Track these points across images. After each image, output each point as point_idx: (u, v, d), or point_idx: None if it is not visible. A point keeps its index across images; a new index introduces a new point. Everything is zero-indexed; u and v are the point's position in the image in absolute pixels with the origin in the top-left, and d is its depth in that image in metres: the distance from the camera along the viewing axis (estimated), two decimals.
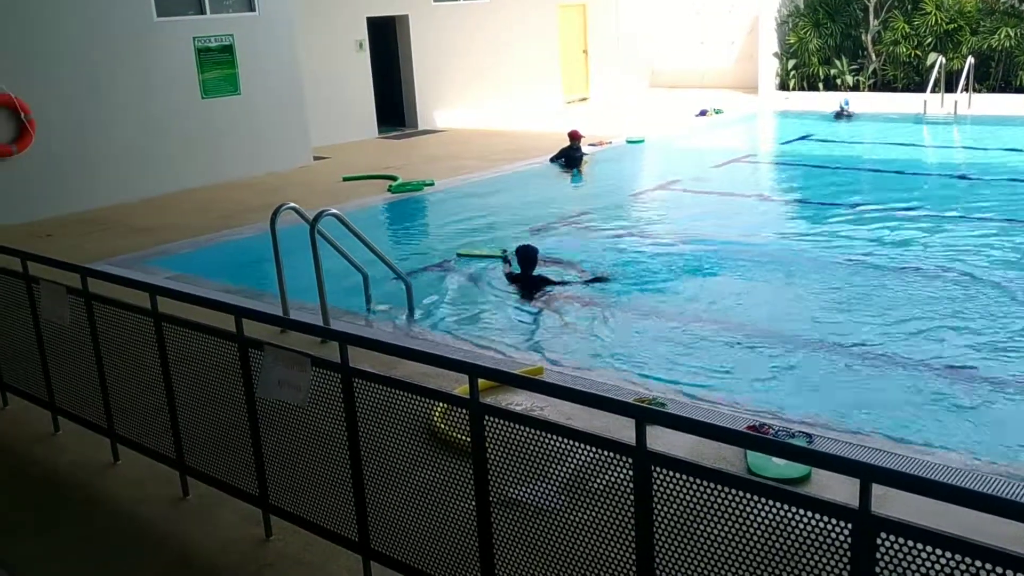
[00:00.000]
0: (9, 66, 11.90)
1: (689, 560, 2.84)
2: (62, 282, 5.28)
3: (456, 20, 19.82)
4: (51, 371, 5.66)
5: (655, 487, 2.85)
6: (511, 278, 8.67)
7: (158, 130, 13.54)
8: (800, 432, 5.11)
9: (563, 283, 8.50)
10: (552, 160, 14.78)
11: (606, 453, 2.98)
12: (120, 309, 4.96)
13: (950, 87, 18.42)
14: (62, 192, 12.55)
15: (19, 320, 5.76)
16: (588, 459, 3.04)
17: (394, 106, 19.45)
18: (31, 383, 5.88)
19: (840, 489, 3.46)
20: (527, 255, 8.64)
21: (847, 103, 18.58)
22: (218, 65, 14.12)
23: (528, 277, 8.54)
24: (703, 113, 19.60)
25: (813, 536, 2.55)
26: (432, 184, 13.30)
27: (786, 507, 2.60)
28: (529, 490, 3.28)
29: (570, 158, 14.61)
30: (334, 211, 7.26)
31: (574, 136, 14.70)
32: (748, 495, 2.67)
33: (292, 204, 7.54)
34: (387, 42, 19.16)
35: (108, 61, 12.90)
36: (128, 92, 13.15)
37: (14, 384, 6.13)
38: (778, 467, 4.56)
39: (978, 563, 2.26)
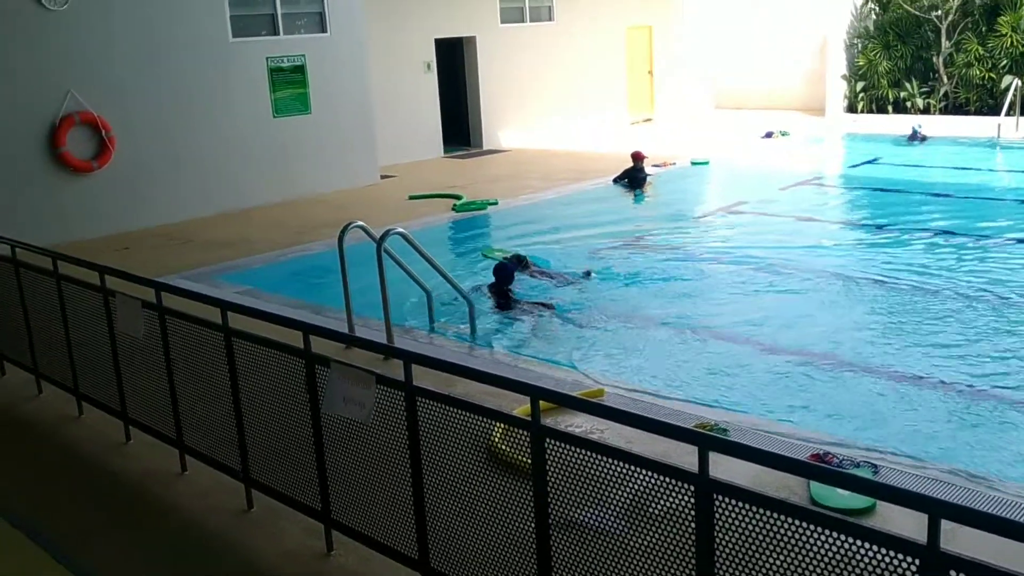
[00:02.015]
0: (92, 85, 12.34)
1: None
2: (137, 295, 5.45)
3: (523, 41, 19.98)
4: (124, 382, 5.84)
5: (717, 515, 2.84)
6: (491, 288, 8.95)
7: (232, 148, 13.90)
8: (865, 462, 5.02)
9: (524, 302, 8.70)
10: (615, 181, 14.78)
11: (667, 479, 2.97)
12: (192, 323, 5.09)
13: None
14: (139, 207, 12.95)
15: (96, 332, 5.95)
16: (649, 484, 3.04)
17: (460, 126, 19.65)
18: (105, 393, 6.07)
19: (905, 522, 3.39)
20: (500, 272, 8.93)
21: (920, 126, 18.23)
22: (290, 85, 14.45)
23: (500, 292, 8.79)
24: (769, 135, 19.41)
25: (879, 571, 2.51)
26: (496, 203, 13.40)
27: (851, 540, 2.56)
28: (589, 513, 3.29)
29: (633, 179, 14.59)
30: (400, 229, 7.37)
31: (637, 157, 14.69)
32: (812, 526, 2.64)
33: (360, 222, 7.67)
34: (454, 62, 19.40)
35: (185, 81, 13.29)
36: (204, 111, 13.54)
37: (89, 394, 6.33)
38: (842, 498, 4.49)
39: None
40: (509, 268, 9.08)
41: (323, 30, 14.83)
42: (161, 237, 12.33)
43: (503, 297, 8.76)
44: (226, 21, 13.64)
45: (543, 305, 8.65)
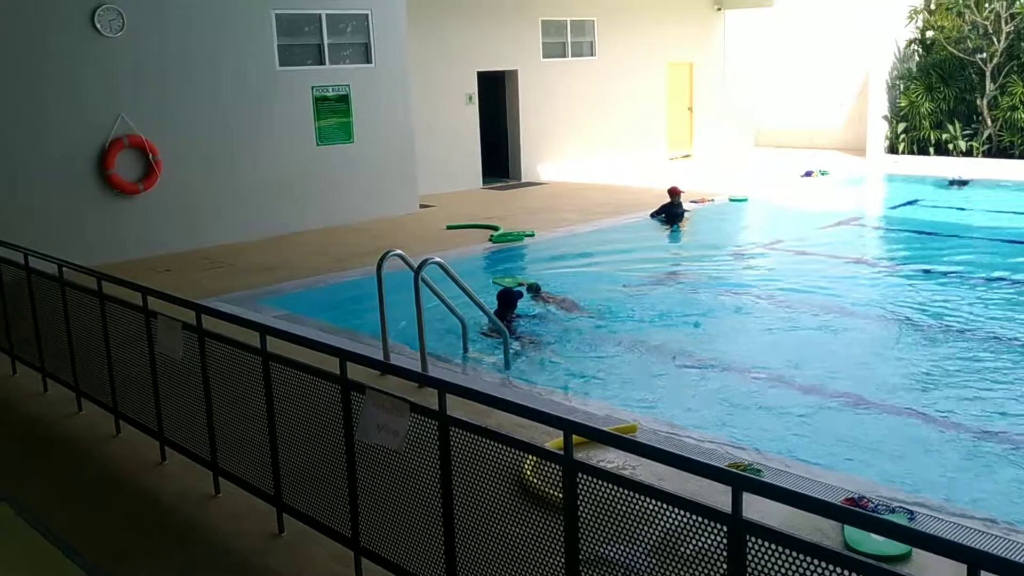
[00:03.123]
0: (142, 110, 12.62)
1: None
2: (177, 317, 5.53)
3: (564, 75, 20.13)
4: (162, 403, 5.91)
5: (749, 557, 2.82)
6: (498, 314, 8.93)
7: (275, 174, 14.12)
8: (901, 507, 4.95)
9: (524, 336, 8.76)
10: (652, 216, 14.78)
11: (700, 519, 2.96)
12: (230, 346, 5.16)
13: None
14: (182, 230, 13.17)
15: (136, 352, 6.04)
16: (681, 523, 3.02)
17: (499, 158, 19.79)
18: (143, 413, 6.15)
19: (943, 572, 3.34)
20: (503, 299, 9.03)
21: (959, 177, 18.00)
22: (334, 114, 14.68)
23: (503, 319, 8.75)
24: (808, 174, 19.32)
25: None
26: (532, 235, 13.46)
27: None
28: (619, 550, 3.27)
29: (670, 214, 14.58)
30: (438, 259, 7.43)
31: (674, 192, 14.68)
32: (848, 573, 2.61)
33: (398, 251, 7.74)
34: (495, 95, 19.57)
35: (232, 107, 13.56)
36: (249, 137, 13.78)
37: (127, 413, 6.41)
38: (877, 543, 4.42)
39: None
40: (512, 295, 9.14)
41: (368, 61, 15.06)
42: (202, 260, 12.51)
43: (506, 320, 8.72)
44: (274, 50, 13.91)
45: (531, 342, 8.65)
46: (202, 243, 13.30)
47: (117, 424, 6.60)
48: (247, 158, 13.79)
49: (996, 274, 10.91)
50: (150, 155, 12.65)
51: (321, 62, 14.51)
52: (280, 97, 14.07)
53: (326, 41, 14.50)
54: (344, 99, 14.77)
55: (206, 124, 13.32)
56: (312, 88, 14.40)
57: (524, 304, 9.46)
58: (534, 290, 10.10)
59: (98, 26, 12.18)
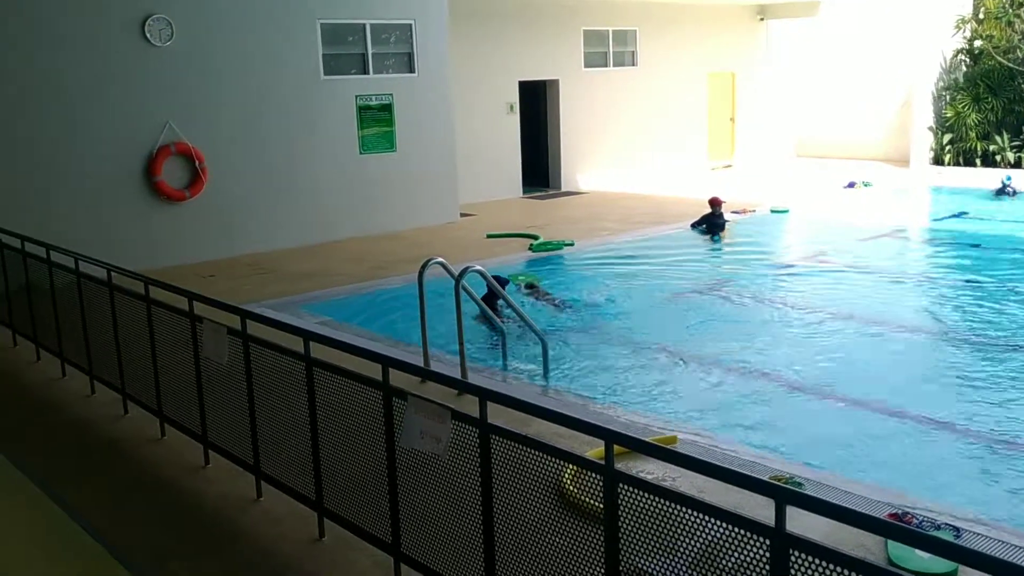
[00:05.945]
0: (189, 117, 12.83)
1: None
2: (222, 322, 5.61)
3: (605, 85, 20.13)
4: (206, 407, 5.99)
5: (793, 571, 2.79)
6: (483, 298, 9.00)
7: (318, 182, 14.27)
8: (947, 524, 4.87)
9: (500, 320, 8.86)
10: (693, 226, 14.71)
11: (742, 532, 2.94)
12: (275, 352, 5.21)
13: None
14: (226, 236, 13.35)
15: (182, 357, 6.13)
16: (722, 536, 3.01)
17: (540, 167, 19.83)
18: (188, 417, 6.24)
19: None
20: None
21: (1009, 179, 17.73)
22: (377, 122, 14.81)
23: (491, 304, 8.82)
24: (851, 185, 19.11)
25: None
26: (572, 244, 13.46)
27: None
28: (659, 562, 3.26)
29: (711, 224, 14.50)
30: (478, 267, 7.47)
31: (715, 203, 14.60)
32: None
33: (439, 259, 7.79)
34: (536, 104, 19.62)
35: (277, 115, 13.73)
36: (293, 145, 13.94)
37: (172, 417, 6.51)
38: (922, 560, 4.36)
39: None
40: (500, 280, 9.15)
41: (411, 70, 15.17)
42: (245, 266, 12.67)
43: (492, 308, 8.71)
44: (319, 59, 14.07)
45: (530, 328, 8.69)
46: (245, 249, 13.47)
47: (162, 427, 6.70)
48: (290, 166, 13.95)
49: None
50: (197, 162, 12.85)
51: (365, 71, 14.65)
52: (324, 106, 14.23)
53: (370, 50, 14.64)
54: (387, 108, 14.90)
55: (251, 132, 13.50)
56: (356, 97, 14.54)
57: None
58: (531, 288, 10.20)
59: (148, 35, 12.41)
